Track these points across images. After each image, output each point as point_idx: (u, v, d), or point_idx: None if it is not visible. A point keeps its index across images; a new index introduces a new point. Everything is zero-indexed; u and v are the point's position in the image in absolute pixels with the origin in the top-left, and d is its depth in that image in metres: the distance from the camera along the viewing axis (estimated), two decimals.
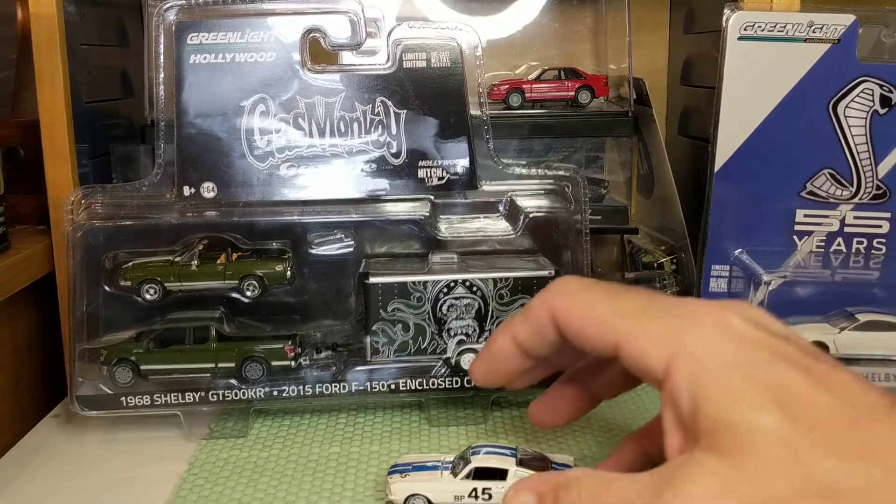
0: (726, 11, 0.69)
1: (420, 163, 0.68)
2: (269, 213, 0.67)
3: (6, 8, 0.88)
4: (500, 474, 0.50)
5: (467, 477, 0.51)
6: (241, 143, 0.66)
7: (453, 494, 0.51)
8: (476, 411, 0.67)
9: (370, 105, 0.67)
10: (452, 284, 0.65)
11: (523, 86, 0.86)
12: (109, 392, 0.65)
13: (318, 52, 0.67)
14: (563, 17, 0.92)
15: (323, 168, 0.67)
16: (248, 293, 0.66)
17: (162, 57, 0.66)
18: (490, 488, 0.50)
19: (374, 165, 0.67)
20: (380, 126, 0.67)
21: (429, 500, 0.51)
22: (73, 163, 0.70)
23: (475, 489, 0.50)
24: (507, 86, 0.86)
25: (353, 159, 0.67)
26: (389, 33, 0.67)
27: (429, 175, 0.68)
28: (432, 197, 0.68)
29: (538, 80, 0.87)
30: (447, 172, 0.68)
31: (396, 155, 0.68)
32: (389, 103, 0.67)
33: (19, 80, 0.87)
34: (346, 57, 0.71)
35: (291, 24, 0.66)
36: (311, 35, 0.66)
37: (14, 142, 0.76)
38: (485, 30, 0.89)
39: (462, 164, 0.68)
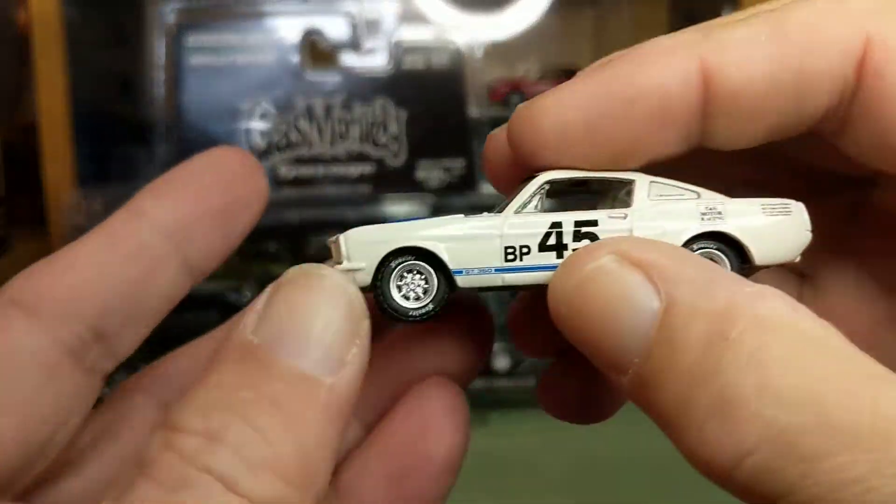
0: (724, 12, 0.69)
1: (419, 164, 0.68)
2: (268, 214, 0.67)
3: (7, 10, 0.88)
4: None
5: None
6: (241, 144, 0.66)
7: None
8: (475, 413, 0.67)
9: (370, 106, 0.67)
10: None
11: (523, 87, 0.86)
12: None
13: (318, 53, 0.67)
14: (563, 18, 0.92)
15: (322, 169, 0.67)
16: (248, 295, 0.66)
17: (162, 58, 0.66)
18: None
19: (373, 166, 0.67)
20: (379, 127, 0.67)
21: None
22: (73, 164, 0.70)
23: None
24: (507, 87, 0.86)
25: (353, 160, 0.67)
26: (389, 35, 0.67)
27: (428, 176, 0.68)
28: (431, 198, 0.68)
29: (539, 80, 0.87)
30: (446, 174, 0.68)
31: (395, 156, 0.68)
32: (389, 104, 0.67)
33: (20, 81, 0.87)
34: (346, 58, 0.71)
35: (291, 26, 0.66)
36: (311, 37, 0.66)
37: (14, 143, 0.76)
38: (485, 31, 0.89)
39: (461, 165, 0.68)
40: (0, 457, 0.24)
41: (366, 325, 0.23)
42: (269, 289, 0.23)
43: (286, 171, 0.67)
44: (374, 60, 0.68)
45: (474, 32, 0.68)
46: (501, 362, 0.66)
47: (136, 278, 0.28)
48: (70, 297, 0.26)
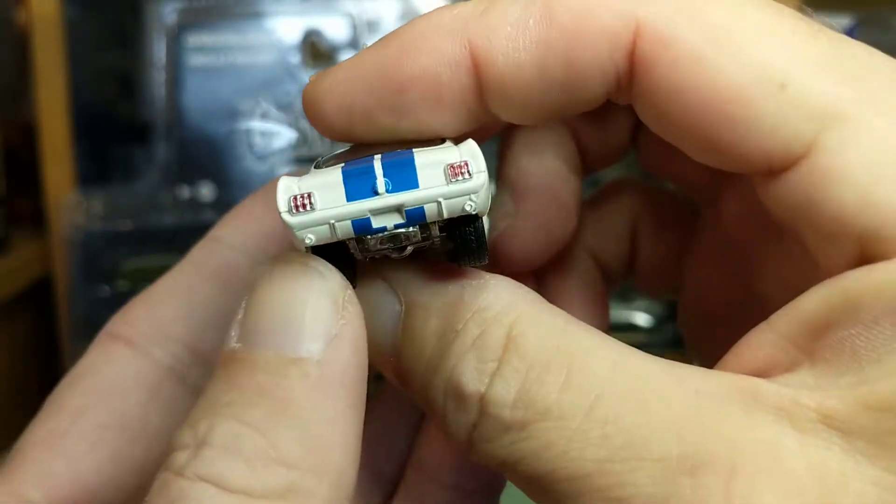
0: None
1: None
2: None
3: (7, 10, 0.88)
4: None
5: None
6: (241, 144, 0.66)
7: None
8: None
9: None
10: None
11: None
12: None
13: (318, 53, 0.67)
14: None
15: None
16: None
17: (162, 58, 0.66)
18: None
19: None
20: None
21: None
22: (72, 164, 0.70)
23: None
24: None
25: None
26: None
27: None
28: None
29: None
30: None
31: None
32: None
33: (20, 81, 0.87)
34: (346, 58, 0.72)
35: (291, 26, 0.66)
36: (311, 37, 0.66)
37: (14, 143, 0.76)
38: None
39: None
40: (118, 477, 0.25)
41: (349, 294, 0.22)
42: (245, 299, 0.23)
43: (286, 171, 0.67)
44: None
45: None
46: None
47: (222, 295, 0.28)
48: (161, 324, 0.27)
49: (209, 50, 0.65)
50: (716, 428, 0.20)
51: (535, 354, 0.21)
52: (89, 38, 0.76)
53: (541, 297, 0.23)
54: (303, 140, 0.67)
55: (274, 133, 0.67)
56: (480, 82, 0.24)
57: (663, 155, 0.30)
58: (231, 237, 0.29)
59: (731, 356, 0.23)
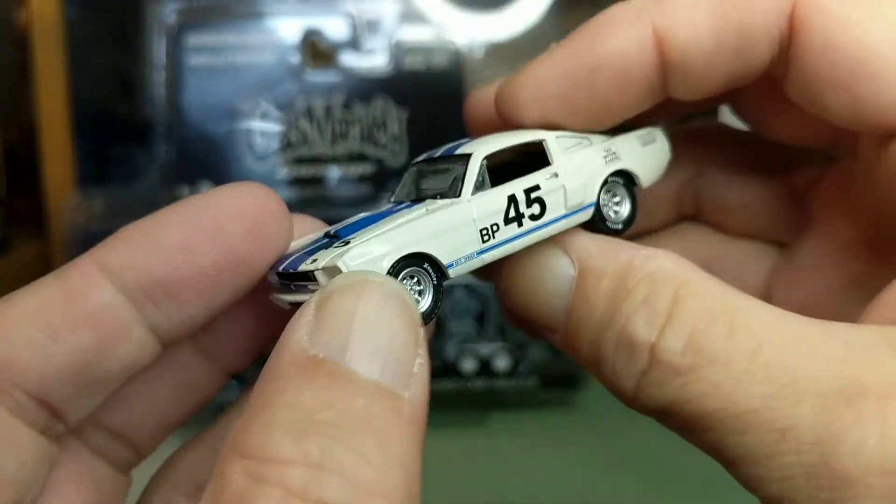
0: None
1: None
2: None
3: (7, 10, 0.88)
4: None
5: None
6: (241, 144, 0.66)
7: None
8: (475, 414, 0.67)
9: (370, 106, 0.67)
10: (452, 287, 0.65)
11: None
12: None
13: (318, 53, 0.67)
14: (564, 18, 0.92)
15: (322, 169, 0.67)
16: None
17: (162, 58, 0.66)
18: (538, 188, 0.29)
19: (373, 166, 0.67)
20: (379, 127, 0.67)
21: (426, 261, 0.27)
22: (72, 164, 0.70)
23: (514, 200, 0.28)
24: None
25: (353, 161, 0.67)
26: (389, 35, 0.67)
27: None
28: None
29: None
30: None
31: (396, 156, 0.67)
32: (389, 104, 0.67)
33: (20, 81, 0.87)
34: (346, 58, 0.71)
35: (291, 26, 0.66)
36: (311, 37, 0.66)
37: (14, 143, 0.76)
38: (485, 30, 0.89)
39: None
40: None
41: (422, 333, 0.23)
42: (316, 297, 0.22)
43: (286, 172, 0.67)
44: (374, 60, 0.68)
45: (474, 32, 0.67)
46: (501, 363, 0.66)
47: (89, 347, 0.25)
48: (11, 369, 0.24)
49: (209, 50, 0.65)
50: (867, 367, 0.22)
51: (700, 311, 0.24)
52: (89, 38, 0.76)
53: (700, 269, 0.26)
54: (303, 140, 0.67)
55: (274, 133, 0.66)
56: (663, 57, 0.28)
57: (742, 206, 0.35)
58: (124, 275, 0.26)
59: (873, 310, 0.26)
